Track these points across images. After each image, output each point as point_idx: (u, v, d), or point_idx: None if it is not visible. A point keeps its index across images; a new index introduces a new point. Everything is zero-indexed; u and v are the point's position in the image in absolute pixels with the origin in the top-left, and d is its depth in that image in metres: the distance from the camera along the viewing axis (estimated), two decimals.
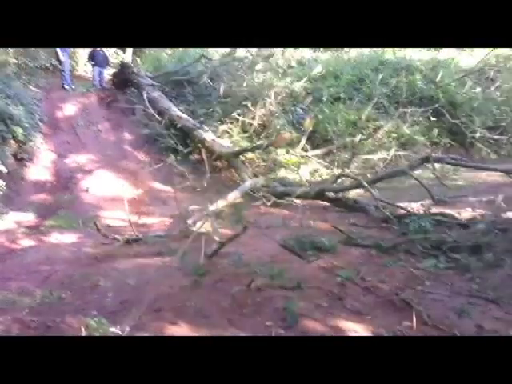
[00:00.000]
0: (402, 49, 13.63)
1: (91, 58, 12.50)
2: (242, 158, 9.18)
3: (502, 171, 6.78)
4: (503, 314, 3.27)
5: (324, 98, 10.80)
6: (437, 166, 6.99)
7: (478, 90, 10.14)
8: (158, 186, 8.59)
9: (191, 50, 13.63)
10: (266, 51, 12.36)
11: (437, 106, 7.64)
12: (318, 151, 9.56)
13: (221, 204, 6.03)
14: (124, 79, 11.97)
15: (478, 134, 8.83)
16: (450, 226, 5.36)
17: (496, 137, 9.04)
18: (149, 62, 14.32)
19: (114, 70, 13.28)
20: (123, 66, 12.32)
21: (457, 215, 5.79)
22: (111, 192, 7.90)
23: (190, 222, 5.42)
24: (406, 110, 9.12)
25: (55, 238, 5.80)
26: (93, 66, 12.49)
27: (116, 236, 5.38)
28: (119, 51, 17.45)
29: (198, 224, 5.28)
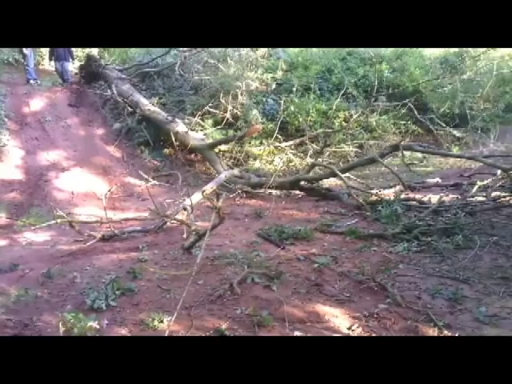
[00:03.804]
0: None
1: (52, 52, 12.11)
2: (215, 150, 9.17)
3: (467, 158, 7.06)
4: (473, 293, 3.42)
5: (294, 89, 10.87)
6: (406, 153, 7.17)
7: (445, 78, 10.41)
8: (131, 180, 8.50)
9: None
10: None
11: (406, 100, 7.90)
12: (290, 142, 9.63)
13: (197, 197, 6.03)
14: (91, 72, 11.70)
15: (441, 132, 9.27)
16: (420, 210, 5.54)
17: (457, 134, 9.51)
18: (116, 54, 14.02)
19: (80, 64, 12.97)
20: (90, 59, 12.04)
21: (426, 200, 5.98)
22: (84, 188, 7.77)
23: (166, 215, 5.39)
24: (374, 99, 9.30)
25: (28, 236, 5.69)
26: (54, 60, 12.09)
27: (91, 232, 5.32)
28: None
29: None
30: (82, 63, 12.55)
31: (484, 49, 11.18)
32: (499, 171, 6.31)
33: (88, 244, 5.06)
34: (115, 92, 9.85)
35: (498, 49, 14.17)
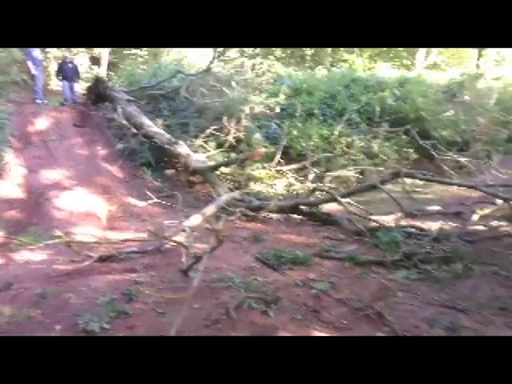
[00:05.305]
0: (372, 66, 14.09)
1: (59, 71, 12.33)
2: (217, 172, 9.20)
3: (468, 186, 7.02)
4: (472, 323, 3.36)
5: (297, 114, 10.98)
6: (407, 180, 7.17)
7: (447, 106, 10.50)
8: (132, 201, 8.50)
9: (166, 65, 13.68)
10: (240, 68, 12.55)
11: (408, 126, 7.96)
12: (292, 166, 9.66)
13: (196, 219, 6.00)
14: (98, 94, 11.88)
15: (443, 157, 9.30)
16: (420, 238, 5.50)
17: (462, 159, 9.54)
18: (124, 76, 14.27)
19: (87, 85, 13.18)
20: (97, 81, 12.24)
21: (426, 228, 5.95)
22: (84, 208, 7.76)
23: (164, 237, 5.36)
24: (376, 126, 9.37)
25: (25, 255, 5.65)
26: (61, 79, 12.29)
27: (88, 253, 5.29)
28: (93, 65, 17.35)
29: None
30: (90, 84, 12.76)
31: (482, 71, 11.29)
32: (500, 201, 6.27)
33: (85, 264, 5.02)
34: (120, 113, 9.95)
35: (500, 78, 14.38)
